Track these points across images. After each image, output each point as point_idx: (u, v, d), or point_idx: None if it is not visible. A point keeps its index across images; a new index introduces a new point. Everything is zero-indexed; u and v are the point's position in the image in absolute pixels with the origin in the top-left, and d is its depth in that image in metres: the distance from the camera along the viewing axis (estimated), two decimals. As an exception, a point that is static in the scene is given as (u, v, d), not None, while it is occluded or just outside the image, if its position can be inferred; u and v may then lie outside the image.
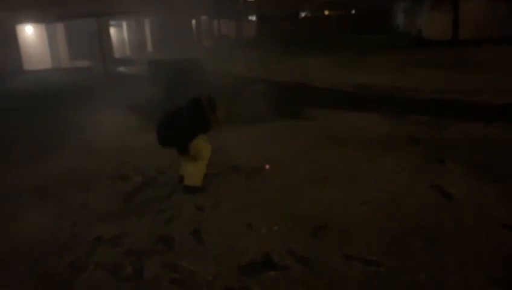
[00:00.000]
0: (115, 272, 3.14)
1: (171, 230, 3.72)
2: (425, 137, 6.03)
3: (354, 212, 3.87)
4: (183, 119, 4.38)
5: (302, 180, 4.68)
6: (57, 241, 3.66)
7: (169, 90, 9.44)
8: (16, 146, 6.96)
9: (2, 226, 4.06)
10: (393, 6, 31.51)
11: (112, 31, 24.10)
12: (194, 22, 30.81)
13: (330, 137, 6.29)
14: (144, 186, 4.81)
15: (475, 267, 2.94)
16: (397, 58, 16.00)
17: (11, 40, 17.70)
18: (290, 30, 31.52)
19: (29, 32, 19.64)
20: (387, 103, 8.52)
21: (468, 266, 2.96)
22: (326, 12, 36.05)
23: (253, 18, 36.09)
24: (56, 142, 6.99)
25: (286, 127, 7.11)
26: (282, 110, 8.20)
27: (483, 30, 19.90)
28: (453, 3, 19.96)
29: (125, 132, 7.23)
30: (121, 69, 18.31)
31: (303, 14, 36.42)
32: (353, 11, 35.17)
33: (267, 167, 5.05)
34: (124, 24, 26.84)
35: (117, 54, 23.21)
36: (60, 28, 21.03)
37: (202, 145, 4.40)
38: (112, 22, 24.01)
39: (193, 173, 4.49)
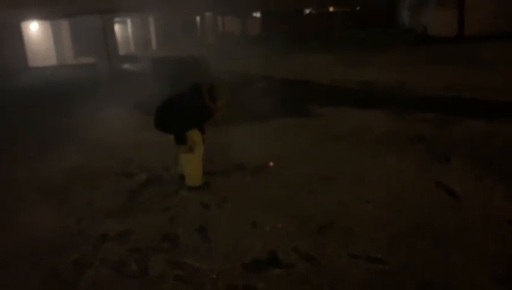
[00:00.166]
0: (120, 269, 3.15)
1: (176, 227, 3.72)
2: (430, 134, 6.00)
3: (359, 210, 3.86)
4: (183, 104, 4.35)
5: (306, 178, 4.67)
6: (62, 238, 3.67)
7: (174, 88, 9.43)
8: (22, 143, 6.99)
9: (8, 222, 4.08)
10: (398, 2, 31.33)
11: (117, 28, 24.12)
12: (198, 18, 30.79)
13: (335, 134, 6.28)
14: (149, 184, 4.82)
15: (481, 266, 2.93)
16: (402, 55, 15.93)
17: (17, 37, 17.76)
18: (295, 27, 31.41)
19: (34, 29, 19.69)
20: (392, 100, 8.49)
21: (474, 265, 2.94)
22: (331, 9, 35.88)
23: (257, 15, 36.00)
24: (61, 139, 7.02)
25: (291, 124, 7.10)
26: (287, 107, 8.19)
27: (489, 26, 19.75)
28: (458, -1, 19.86)
29: (130, 129, 7.24)
30: (126, 66, 18.33)
31: (307, 11, 36.28)
32: (358, 8, 34.99)
33: (271, 164, 5.05)
34: (129, 21, 26.85)
35: (121, 51, 23.23)
36: (64, 25, 21.08)
37: (197, 140, 4.39)
38: (117, 19, 24.02)
39: (190, 174, 4.49)
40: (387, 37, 23.62)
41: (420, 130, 6.22)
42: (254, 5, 31.56)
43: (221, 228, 3.66)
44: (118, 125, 7.63)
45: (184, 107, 4.31)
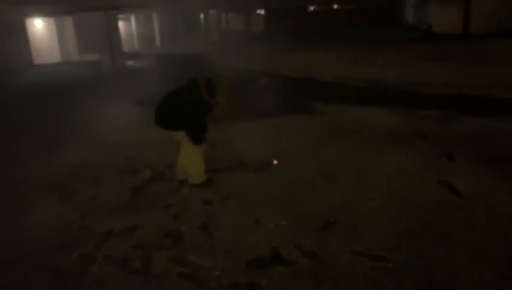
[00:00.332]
0: (123, 266, 3.16)
1: (179, 224, 3.73)
2: (434, 132, 5.98)
3: (362, 207, 3.86)
4: (182, 99, 4.34)
5: (309, 175, 4.67)
6: (66, 235, 3.69)
7: (178, 84, 9.44)
8: (26, 140, 7.02)
9: (13, 219, 4.10)
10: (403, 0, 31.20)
11: (121, 24, 24.14)
12: (202, 15, 30.75)
13: (338, 131, 6.27)
14: (152, 181, 4.83)
15: (484, 264, 2.92)
16: (406, 52, 15.87)
17: (21, 34, 17.81)
18: (299, 24, 31.34)
19: (38, 26, 19.73)
20: (395, 97, 8.46)
21: (478, 262, 2.94)
22: (335, 6, 35.76)
23: (261, 12, 35.94)
24: (65, 135, 7.04)
25: (294, 121, 7.09)
26: (290, 105, 8.18)
27: (494, 23, 19.63)
28: (463, -4, 19.74)
29: (133, 126, 7.25)
30: (130, 63, 18.35)
31: (311, 8, 36.17)
32: (361, 5, 34.84)
33: (275, 162, 5.05)
34: (133, 18, 26.86)
35: (125, 48, 23.25)
36: (68, 21, 21.12)
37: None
38: (121, 16, 24.04)
39: (194, 173, 4.49)
40: (391, 35, 23.54)
41: (424, 127, 6.20)
42: (258, 2, 31.46)
43: (224, 225, 3.67)
44: (122, 122, 7.65)
45: (183, 102, 4.30)
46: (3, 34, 16.56)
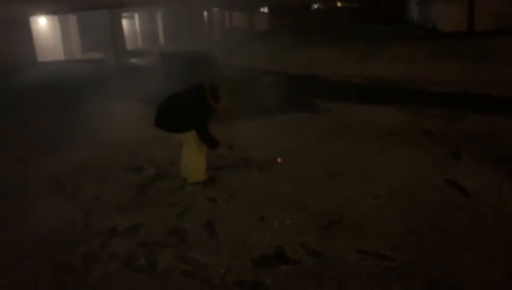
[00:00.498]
0: (128, 264, 3.16)
1: (184, 222, 3.73)
2: (440, 130, 5.95)
3: (367, 206, 3.84)
4: (185, 102, 4.33)
5: (314, 173, 4.66)
6: (71, 232, 3.69)
7: (182, 82, 9.43)
8: (30, 138, 7.03)
9: (17, 217, 4.11)
10: (407, -3, 31.11)
11: (124, 22, 24.16)
12: (205, 13, 30.74)
13: (343, 129, 6.25)
14: (156, 178, 4.83)
15: (492, 263, 2.90)
16: (411, 50, 15.80)
17: (25, 32, 17.84)
18: (302, 22, 31.31)
19: (42, 23, 19.77)
20: (401, 95, 8.43)
21: (485, 262, 2.92)
22: (339, 4, 35.69)
23: (264, 10, 35.90)
24: (69, 133, 7.05)
25: (298, 119, 7.08)
26: (294, 102, 8.15)
27: (499, 21, 19.54)
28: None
29: (138, 123, 7.24)
30: (133, 60, 18.36)
31: (315, 6, 36.11)
32: (366, 3, 34.76)
33: (279, 160, 5.03)
34: (136, 16, 26.89)
35: (129, 46, 23.27)
36: (72, 19, 21.15)
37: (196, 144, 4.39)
38: (124, 14, 24.07)
39: (194, 170, 4.49)
40: (395, 33, 23.45)
41: (429, 126, 6.17)
42: (261, 0, 31.47)
43: (229, 223, 3.66)
44: (125, 120, 7.64)
45: (188, 106, 4.29)
46: (8, 32, 16.60)
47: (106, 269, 3.12)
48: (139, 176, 4.94)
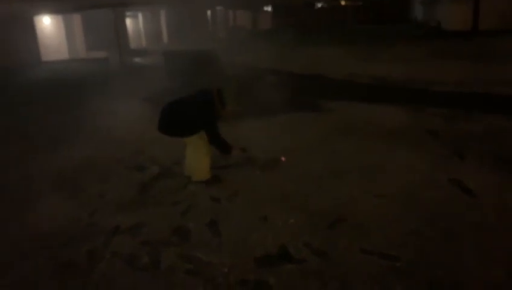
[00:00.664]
0: (131, 262, 3.16)
1: (187, 221, 3.73)
2: (443, 130, 5.93)
3: (371, 205, 3.83)
4: (191, 109, 4.34)
5: (318, 172, 4.65)
6: (74, 231, 3.70)
7: (185, 81, 9.44)
8: (34, 136, 7.05)
9: (20, 215, 4.12)
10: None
11: (128, 21, 24.20)
12: (209, 12, 30.74)
13: (346, 129, 6.24)
14: (159, 177, 4.83)
15: (495, 263, 2.89)
16: (415, 49, 15.76)
17: (29, 31, 17.89)
18: (306, 20, 31.26)
19: (46, 23, 19.82)
20: (404, 95, 8.40)
21: (488, 262, 2.91)
22: (343, 3, 35.61)
23: (268, 8, 35.86)
24: (73, 132, 7.06)
25: (301, 118, 7.07)
26: (298, 102, 8.14)
27: (504, 20, 19.43)
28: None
29: (141, 122, 7.26)
30: (137, 59, 18.39)
31: (319, 5, 36.04)
32: (370, 2, 34.65)
33: (283, 159, 5.02)
34: (140, 15, 26.92)
35: (133, 45, 23.30)
36: (77, 18, 21.19)
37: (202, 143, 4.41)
38: (128, 13, 24.10)
39: (198, 169, 4.50)
40: (399, 32, 23.37)
41: (433, 125, 6.15)
42: (265, -2, 31.46)
43: (232, 222, 3.66)
44: (129, 119, 7.66)
45: (192, 111, 4.31)
46: (12, 31, 16.67)
47: (109, 267, 3.12)
48: (143, 174, 4.95)
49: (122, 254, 3.27)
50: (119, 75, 13.76)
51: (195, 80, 9.04)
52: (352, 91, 9.25)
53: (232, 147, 4.44)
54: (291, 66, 13.18)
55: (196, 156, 4.44)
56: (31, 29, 18.02)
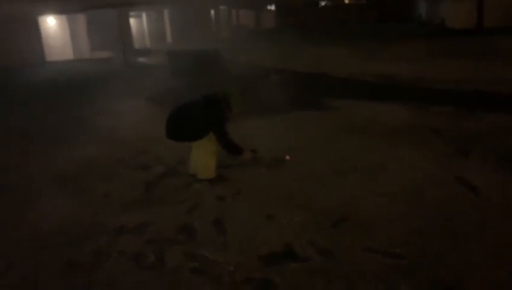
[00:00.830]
0: (137, 261, 3.18)
1: (192, 220, 3.74)
2: (448, 128, 5.92)
3: (375, 204, 3.83)
4: (197, 113, 4.37)
5: (322, 171, 4.65)
6: (79, 230, 3.72)
7: (189, 81, 9.47)
8: (38, 135, 7.09)
9: (25, 214, 4.14)
10: (416, -6, 30.86)
11: (132, 21, 24.25)
12: (212, 12, 30.78)
13: (351, 127, 6.23)
14: (164, 176, 4.85)
15: (499, 262, 2.88)
16: (419, 47, 15.71)
17: (34, 31, 17.99)
18: (310, 19, 31.23)
19: (51, 23, 19.91)
20: (407, 94, 8.38)
21: (493, 260, 2.90)
22: (346, 1, 35.54)
23: (272, 8, 35.85)
24: (77, 131, 7.10)
25: (306, 117, 7.07)
26: (302, 100, 8.14)
27: (509, 18, 19.32)
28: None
29: (145, 121, 7.29)
30: (141, 59, 18.44)
31: (323, 3, 36.00)
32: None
33: (288, 157, 5.03)
34: (144, 15, 26.98)
35: (137, 45, 23.36)
36: (81, 19, 21.28)
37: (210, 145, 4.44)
38: (132, 13, 24.16)
39: (204, 167, 4.52)
40: (403, 30, 23.30)
41: (437, 124, 6.14)
42: (269, -3, 31.43)
43: (237, 221, 3.67)
44: (133, 118, 7.70)
45: (200, 118, 4.34)
46: (17, 32, 16.75)
47: (115, 266, 3.14)
48: (147, 174, 4.96)
49: (128, 253, 3.28)
50: (124, 75, 13.81)
51: (199, 79, 9.07)
52: (355, 90, 9.23)
53: (243, 150, 4.47)
54: (295, 64, 13.17)
55: (203, 155, 4.46)
56: (35, 29, 18.12)
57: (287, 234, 3.40)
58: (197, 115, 4.35)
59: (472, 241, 3.14)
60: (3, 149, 6.47)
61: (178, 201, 4.14)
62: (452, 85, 8.78)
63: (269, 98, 8.22)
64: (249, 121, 6.70)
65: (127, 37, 19.30)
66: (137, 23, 26.70)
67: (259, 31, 30.46)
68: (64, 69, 16.38)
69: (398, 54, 14.28)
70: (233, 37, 27.72)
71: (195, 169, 4.61)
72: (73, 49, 20.95)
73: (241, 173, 4.73)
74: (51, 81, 13.83)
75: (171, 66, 11.95)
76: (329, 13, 33.69)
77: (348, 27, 27.90)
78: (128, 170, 5.13)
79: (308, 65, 13.03)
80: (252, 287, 2.81)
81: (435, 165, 4.63)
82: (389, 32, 22.80)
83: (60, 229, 3.76)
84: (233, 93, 4.43)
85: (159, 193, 4.43)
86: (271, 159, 5.05)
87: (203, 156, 4.47)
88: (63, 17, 20.41)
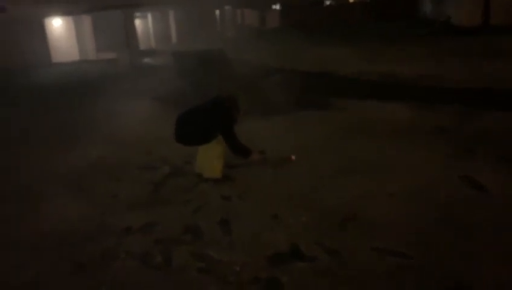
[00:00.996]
0: (144, 261, 3.20)
1: (198, 219, 3.76)
2: (454, 127, 5.89)
3: (382, 203, 3.83)
4: (205, 117, 4.41)
5: (328, 170, 4.65)
6: (87, 230, 3.74)
7: (194, 81, 9.48)
8: (45, 136, 7.13)
9: (33, 214, 4.17)
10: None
11: (137, 22, 24.32)
12: (217, 12, 30.81)
13: (356, 127, 6.22)
14: (171, 176, 4.87)
15: (507, 261, 2.87)
16: (424, 46, 15.61)
17: (39, 33, 18.09)
18: (314, 19, 31.16)
19: (56, 25, 20.01)
20: (413, 93, 8.34)
21: (500, 260, 2.89)
22: (351, 0, 35.47)
23: (276, 7, 35.83)
24: (84, 132, 7.13)
25: (310, 117, 7.06)
26: (306, 100, 8.13)
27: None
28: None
29: (152, 122, 7.32)
30: (147, 60, 18.48)
31: (327, 3, 35.94)
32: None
33: (293, 157, 5.03)
34: (149, 15, 27.06)
35: (142, 46, 23.42)
36: (87, 20, 21.37)
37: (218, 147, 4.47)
38: (137, 14, 24.23)
39: (210, 167, 4.54)
40: (408, 28, 23.17)
41: (443, 123, 6.11)
42: (273, -3, 31.43)
43: (243, 221, 3.68)
44: (139, 119, 7.71)
45: (208, 122, 4.39)
46: (23, 33, 16.86)
47: (123, 266, 3.16)
48: (154, 174, 4.99)
49: (135, 253, 3.30)
50: (129, 75, 13.85)
51: (204, 79, 9.08)
52: (360, 89, 9.20)
53: (251, 152, 4.49)
54: (300, 64, 13.16)
55: (210, 155, 4.48)
56: (41, 31, 18.22)
57: (293, 233, 3.40)
58: (205, 118, 4.39)
59: (479, 241, 3.13)
60: (10, 150, 6.52)
61: (184, 201, 4.16)
62: (458, 84, 8.73)
63: (273, 98, 8.22)
64: (254, 120, 6.70)
65: (133, 38, 19.37)
66: (142, 24, 26.77)
67: (264, 30, 30.44)
68: (70, 70, 16.45)
69: (403, 53, 14.21)
70: (238, 37, 27.73)
71: (202, 169, 4.63)
72: (79, 51, 21.03)
73: (246, 173, 4.74)
74: (57, 82, 13.90)
75: (177, 66, 11.97)
76: (334, 12, 33.58)
77: (352, 26, 27.79)
78: (134, 171, 5.15)
79: (312, 64, 13.00)
80: (258, 287, 2.82)
81: (440, 164, 4.61)
82: (393, 31, 22.68)
83: (67, 229, 3.79)
84: (241, 95, 4.48)
85: (165, 193, 4.45)
86: (276, 159, 5.05)
87: (210, 157, 4.50)
88: (69, 19, 20.50)
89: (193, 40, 22.83)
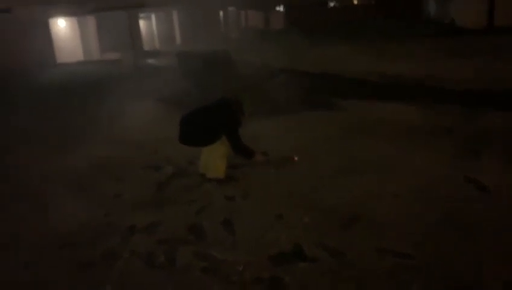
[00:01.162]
0: (148, 261, 3.21)
1: (202, 220, 3.77)
2: (458, 128, 5.88)
3: (386, 203, 3.83)
4: (209, 118, 4.43)
5: (332, 171, 4.66)
6: (91, 231, 3.76)
7: (199, 82, 9.51)
8: (50, 136, 7.16)
9: (38, 214, 4.20)
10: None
11: (141, 23, 24.39)
12: (221, 13, 30.85)
13: (359, 127, 6.22)
14: (174, 177, 4.89)
15: (508, 261, 2.86)
16: (427, 47, 15.59)
17: (44, 33, 18.17)
18: (318, 20, 31.14)
19: (61, 25, 20.10)
20: (417, 93, 8.33)
21: (504, 260, 2.88)
22: (355, 2, 35.45)
23: (280, 8, 35.86)
24: (89, 132, 7.17)
25: (314, 117, 7.07)
26: (310, 100, 8.13)
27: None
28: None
29: (155, 123, 7.34)
30: (151, 61, 18.53)
31: (331, 4, 35.93)
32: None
33: (296, 158, 5.04)
34: (153, 16, 27.12)
35: (146, 46, 23.48)
36: (91, 20, 21.45)
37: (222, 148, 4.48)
38: (141, 15, 24.30)
39: (214, 167, 4.55)
40: (412, 29, 23.11)
41: (447, 123, 6.10)
42: (277, -2, 31.44)
43: (246, 221, 3.69)
44: (143, 119, 7.74)
45: (212, 124, 4.41)
46: (28, 34, 16.95)
47: (127, 266, 3.17)
48: (158, 174, 5.01)
49: (139, 253, 3.32)
50: (133, 76, 13.89)
51: (209, 80, 9.11)
52: (364, 89, 9.19)
53: (254, 153, 4.51)
54: (303, 65, 13.16)
55: (214, 156, 4.49)
56: (46, 32, 18.30)
57: (296, 233, 3.41)
58: (210, 120, 4.41)
59: (483, 241, 3.12)
60: (15, 150, 6.55)
61: (188, 201, 4.17)
62: (462, 84, 8.71)
63: (278, 98, 8.23)
64: (257, 121, 6.71)
65: (137, 39, 19.44)
66: (146, 24, 26.83)
67: (268, 31, 30.46)
68: (75, 71, 16.50)
69: (407, 54, 14.19)
70: (242, 37, 27.75)
71: (206, 169, 4.65)
72: (84, 51, 21.10)
73: (250, 173, 4.75)
74: (62, 82, 13.95)
75: (181, 67, 12.00)
76: (338, 14, 33.56)
77: (356, 27, 27.75)
78: (139, 171, 5.18)
79: (316, 65, 13.00)
80: (261, 286, 2.82)
81: (444, 164, 4.61)
82: (398, 31, 22.62)
83: (72, 229, 3.81)
84: (245, 96, 4.50)
85: (169, 193, 4.47)
86: (279, 159, 5.06)
87: (214, 157, 4.51)
88: (74, 20, 20.59)
89: (197, 41, 22.88)
